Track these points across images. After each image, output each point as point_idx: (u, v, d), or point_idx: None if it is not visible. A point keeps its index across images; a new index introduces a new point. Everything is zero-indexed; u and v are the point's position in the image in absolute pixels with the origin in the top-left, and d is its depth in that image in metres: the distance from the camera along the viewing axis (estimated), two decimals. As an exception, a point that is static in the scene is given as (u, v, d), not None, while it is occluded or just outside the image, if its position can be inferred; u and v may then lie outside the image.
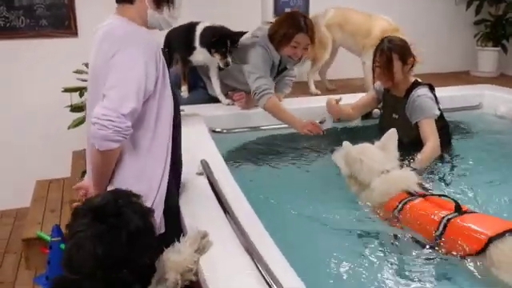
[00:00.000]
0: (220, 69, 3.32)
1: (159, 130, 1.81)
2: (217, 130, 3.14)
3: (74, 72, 3.11)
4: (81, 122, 3.12)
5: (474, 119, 3.62)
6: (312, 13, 4.17)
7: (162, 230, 1.82)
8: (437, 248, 1.84)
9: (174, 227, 1.86)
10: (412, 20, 4.50)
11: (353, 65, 4.41)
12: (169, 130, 1.85)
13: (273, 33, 3.20)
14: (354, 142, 2.42)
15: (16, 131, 4.05)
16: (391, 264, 1.79)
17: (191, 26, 3.22)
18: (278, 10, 4.33)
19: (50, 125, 3.93)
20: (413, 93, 2.81)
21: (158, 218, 1.81)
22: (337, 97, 3.21)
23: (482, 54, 5.19)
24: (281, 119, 3.12)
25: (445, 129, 2.90)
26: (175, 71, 3.36)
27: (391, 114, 2.94)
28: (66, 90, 3.28)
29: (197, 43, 3.19)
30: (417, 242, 1.91)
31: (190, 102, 3.30)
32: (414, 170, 2.39)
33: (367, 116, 3.33)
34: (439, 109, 2.83)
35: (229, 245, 1.61)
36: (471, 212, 1.96)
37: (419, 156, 2.59)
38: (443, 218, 1.89)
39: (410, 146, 2.69)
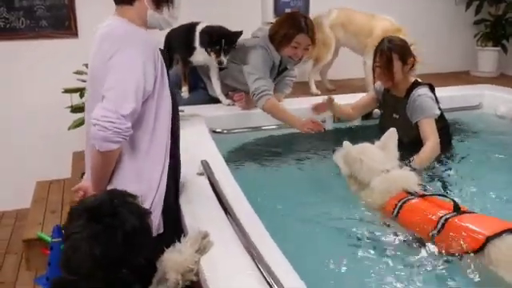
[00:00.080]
0: (220, 69, 3.32)
1: (158, 130, 1.81)
2: (217, 130, 3.14)
3: (75, 73, 3.11)
4: (81, 122, 3.11)
5: (474, 119, 3.62)
6: (312, 13, 4.18)
7: (161, 230, 1.83)
8: (435, 247, 1.84)
9: (173, 227, 1.86)
10: (412, 20, 4.49)
11: (353, 65, 4.40)
12: (167, 130, 1.85)
13: (273, 33, 3.20)
14: (354, 141, 2.42)
15: (16, 132, 4.05)
16: (391, 263, 1.79)
17: (191, 27, 3.22)
18: (278, 11, 4.34)
19: (51, 125, 3.93)
20: (413, 92, 2.81)
21: (157, 217, 1.81)
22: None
23: (481, 54, 5.18)
24: (280, 119, 3.12)
25: (445, 129, 2.90)
26: (175, 71, 3.37)
27: (391, 113, 2.95)
28: (67, 91, 3.28)
29: (197, 43, 3.19)
30: (416, 241, 1.91)
31: (190, 102, 3.31)
32: (414, 169, 2.40)
33: (367, 116, 3.34)
34: (439, 109, 2.84)
35: (229, 245, 1.61)
36: (470, 212, 1.96)
37: (419, 155, 2.59)
38: (441, 217, 1.89)
39: (410, 145, 2.69)
